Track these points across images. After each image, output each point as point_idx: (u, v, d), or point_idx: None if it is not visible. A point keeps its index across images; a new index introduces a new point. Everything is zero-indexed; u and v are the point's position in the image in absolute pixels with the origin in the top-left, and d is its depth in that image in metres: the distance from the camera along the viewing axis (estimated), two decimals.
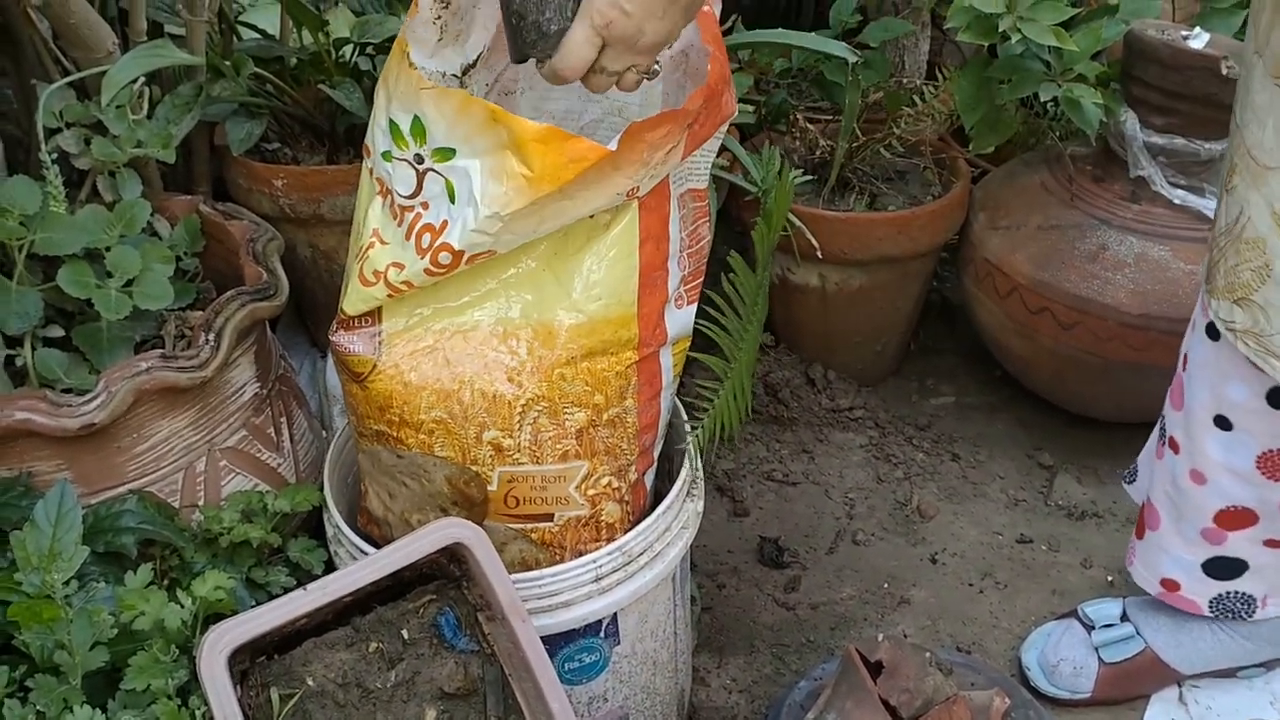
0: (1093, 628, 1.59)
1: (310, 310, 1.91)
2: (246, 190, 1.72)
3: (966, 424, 2.07)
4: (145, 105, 1.51)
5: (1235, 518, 1.40)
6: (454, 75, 1.29)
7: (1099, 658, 1.57)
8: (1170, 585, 1.50)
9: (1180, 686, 1.59)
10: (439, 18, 1.25)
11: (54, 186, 1.37)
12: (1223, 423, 1.35)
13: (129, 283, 1.36)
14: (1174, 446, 1.43)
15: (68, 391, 1.30)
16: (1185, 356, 1.41)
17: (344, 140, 1.77)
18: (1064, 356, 1.84)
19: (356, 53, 1.74)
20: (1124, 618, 1.59)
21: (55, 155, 1.41)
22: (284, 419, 1.50)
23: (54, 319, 1.39)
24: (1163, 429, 1.47)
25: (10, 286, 1.34)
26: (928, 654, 1.41)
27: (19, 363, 1.35)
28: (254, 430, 1.45)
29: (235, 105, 1.64)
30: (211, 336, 1.34)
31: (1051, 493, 1.92)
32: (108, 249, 1.37)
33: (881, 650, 1.39)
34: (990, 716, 1.35)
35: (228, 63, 1.58)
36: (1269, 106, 1.15)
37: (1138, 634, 1.57)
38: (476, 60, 1.31)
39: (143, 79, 1.49)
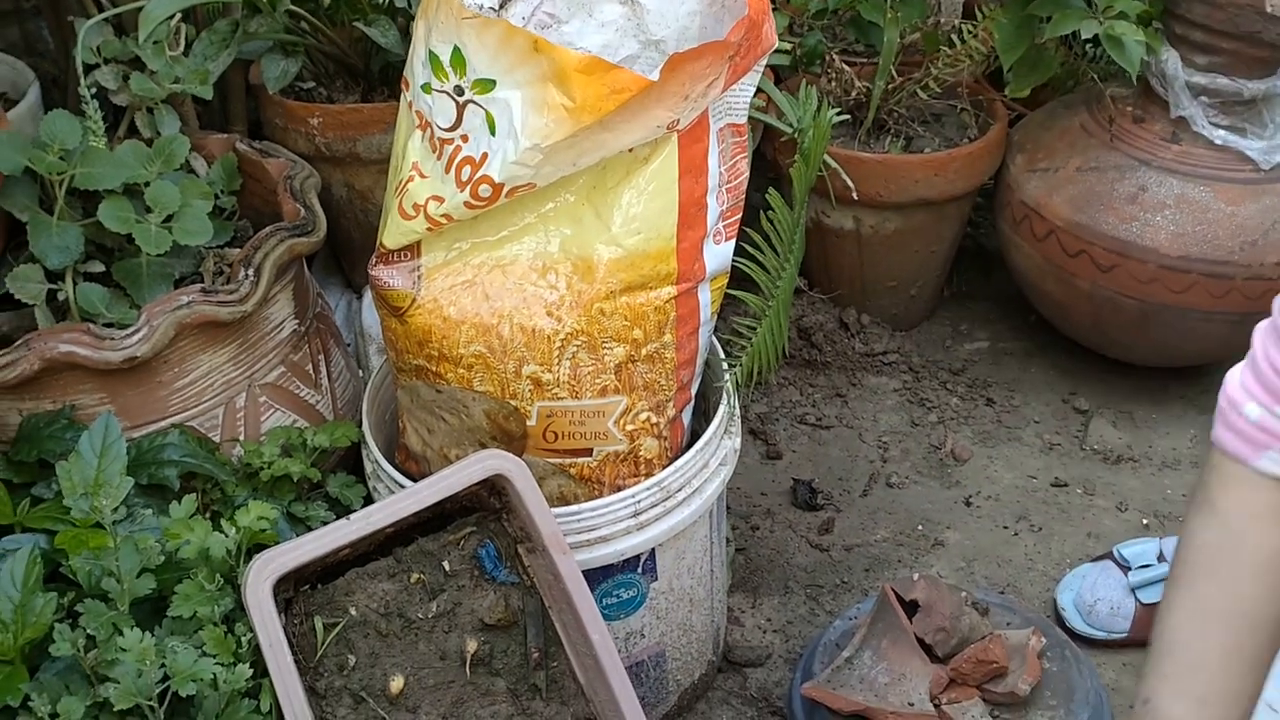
0: (1129, 568, 1.59)
1: (345, 250, 1.91)
2: (282, 129, 1.72)
3: (1001, 369, 2.06)
4: (182, 42, 1.50)
5: None
6: (492, 8, 1.28)
7: (1136, 598, 1.57)
8: None
9: None
10: None
11: (94, 121, 1.37)
12: None
13: (168, 218, 1.37)
14: None
15: (109, 326, 1.31)
16: None
17: (379, 79, 1.76)
18: (1101, 300, 1.83)
19: None
20: (1160, 558, 1.59)
21: (94, 91, 1.41)
22: (322, 356, 1.51)
23: (94, 255, 1.40)
24: None
25: (51, 222, 1.35)
26: (963, 593, 1.42)
27: (61, 297, 1.36)
28: (292, 367, 1.45)
29: (271, 42, 1.64)
30: (251, 271, 1.34)
31: (1087, 437, 1.91)
32: (147, 185, 1.38)
33: (917, 589, 1.40)
34: (1026, 655, 1.35)
35: None
36: None
37: None
38: None
39: (179, 15, 1.49)
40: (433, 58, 1.18)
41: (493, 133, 1.16)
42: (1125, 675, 1.56)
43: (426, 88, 1.19)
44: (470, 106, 1.17)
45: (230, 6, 1.60)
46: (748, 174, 1.34)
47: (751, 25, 1.18)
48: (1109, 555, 1.64)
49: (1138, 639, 1.57)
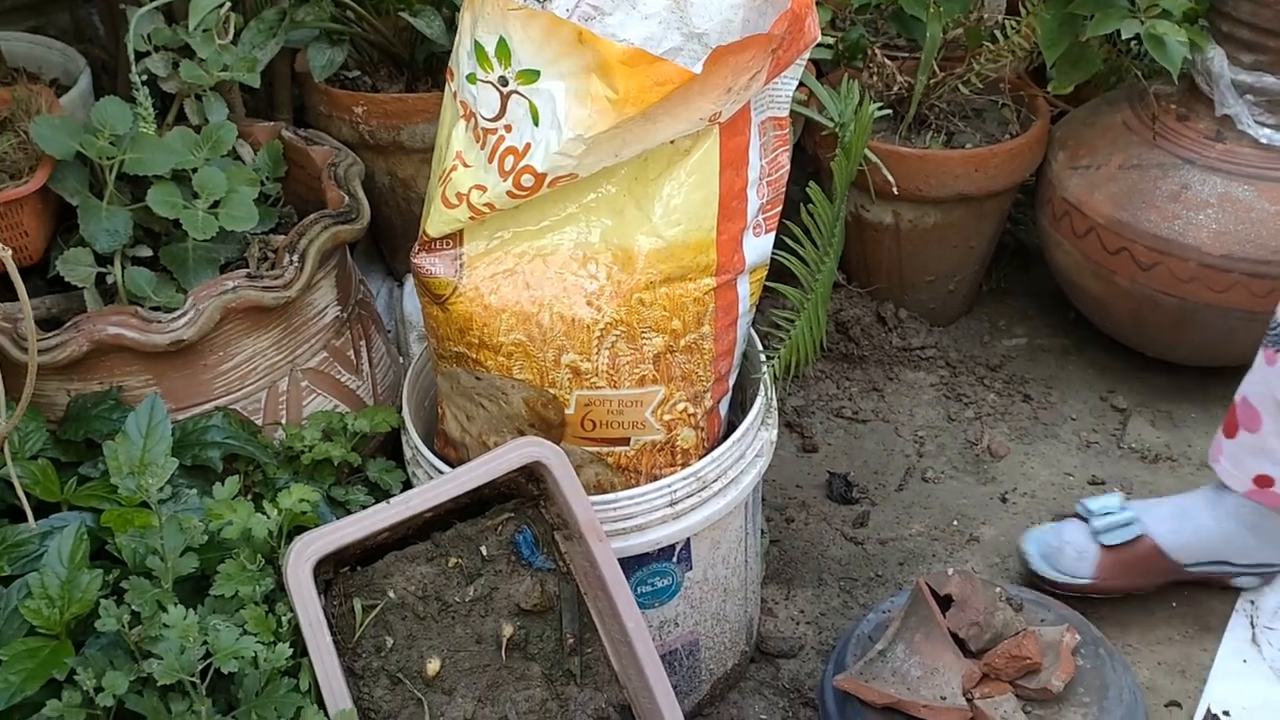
0: (1092, 517, 1.62)
1: (387, 238, 1.92)
2: (327, 117, 1.74)
3: (1039, 365, 2.06)
4: (230, 30, 1.52)
5: None
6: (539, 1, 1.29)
7: (1099, 543, 1.59)
8: (1264, 481, 1.50)
9: (1254, 628, 1.59)
10: None
11: (144, 108, 1.40)
12: None
13: (215, 204, 1.39)
14: None
15: (156, 309, 1.33)
16: None
17: (423, 69, 1.78)
18: (1141, 298, 1.82)
19: None
20: (1123, 508, 1.62)
21: (144, 78, 1.43)
22: (363, 342, 1.52)
23: (142, 239, 1.42)
24: (1273, 336, 1.47)
25: (100, 206, 1.37)
26: (998, 589, 1.42)
27: (109, 280, 1.38)
28: (334, 352, 1.47)
29: (317, 31, 1.66)
30: (295, 257, 1.36)
31: (1125, 435, 1.91)
32: (194, 171, 1.40)
33: (951, 584, 1.40)
34: (1060, 651, 1.35)
35: None
36: None
37: (1138, 520, 1.59)
38: None
39: (228, 4, 1.50)
40: (478, 48, 1.19)
41: (536, 123, 1.17)
42: (1160, 674, 1.56)
43: (471, 78, 1.21)
44: (514, 97, 1.18)
45: None
46: (789, 167, 1.34)
47: (795, 19, 1.18)
48: (1075, 514, 1.67)
49: (1102, 586, 1.58)
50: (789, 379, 1.56)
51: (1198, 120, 1.79)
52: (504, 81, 1.18)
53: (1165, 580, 1.61)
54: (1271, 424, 1.47)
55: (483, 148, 1.21)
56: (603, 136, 1.15)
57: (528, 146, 1.18)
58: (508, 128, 1.19)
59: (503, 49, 1.17)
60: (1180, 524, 1.58)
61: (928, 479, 1.85)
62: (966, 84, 1.95)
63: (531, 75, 1.16)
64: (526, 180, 1.18)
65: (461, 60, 1.22)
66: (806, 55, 1.26)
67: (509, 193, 1.19)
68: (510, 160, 1.19)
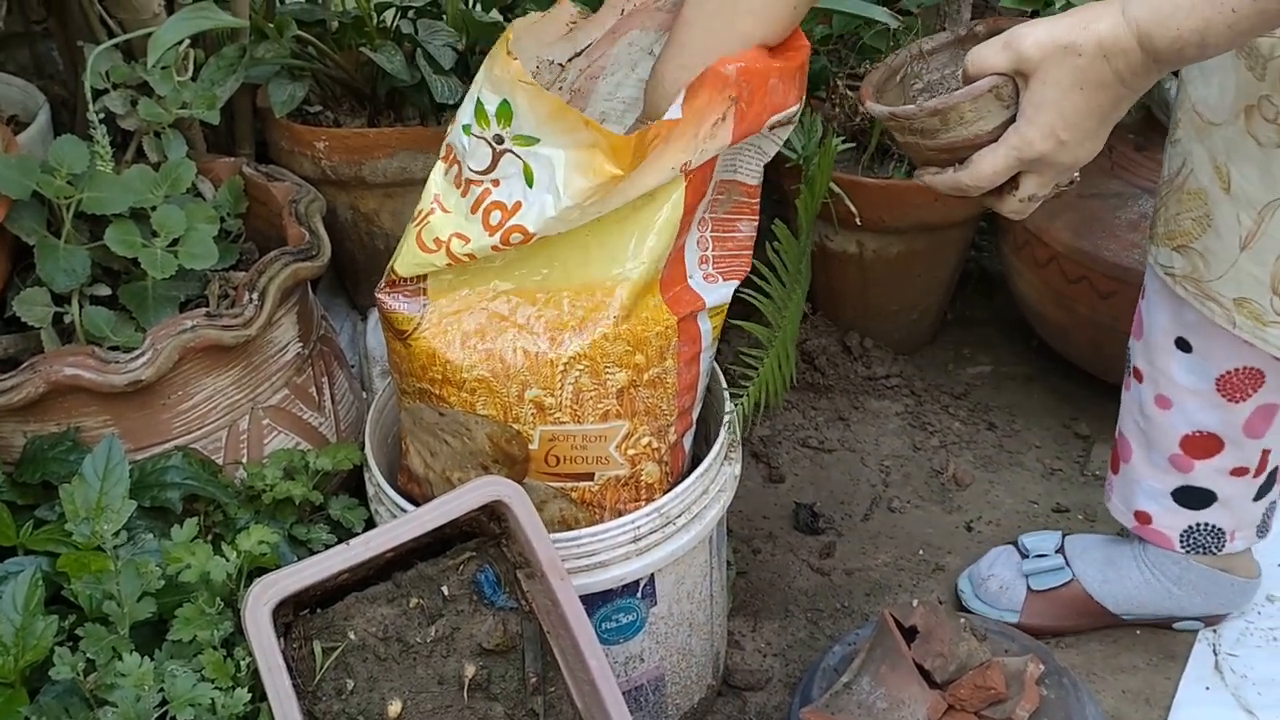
0: (1027, 556, 1.64)
1: (350, 273, 1.92)
2: (288, 152, 1.73)
3: (1003, 393, 2.07)
4: (190, 67, 1.52)
5: (1201, 444, 1.43)
6: (559, 63, 1.31)
7: (1028, 584, 1.61)
8: (1143, 517, 1.52)
9: (1217, 655, 1.60)
10: (574, 23, 1.31)
11: (101, 146, 1.39)
12: (1183, 345, 1.38)
13: (174, 242, 1.38)
14: (1138, 375, 1.46)
15: (115, 349, 1.33)
16: (1144, 287, 1.44)
17: (385, 104, 1.78)
18: (1102, 326, 1.83)
19: (398, 16, 1.74)
20: (1059, 551, 1.63)
21: (102, 116, 1.43)
22: (325, 379, 1.52)
23: (100, 278, 1.41)
24: (1128, 360, 1.50)
25: (58, 245, 1.36)
26: (962, 620, 1.42)
27: (67, 320, 1.37)
28: (296, 390, 1.47)
29: (278, 67, 1.65)
30: (255, 295, 1.35)
31: (1089, 462, 1.92)
32: (153, 209, 1.39)
33: (916, 615, 1.40)
34: (1025, 682, 1.36)
35: (271, 25, 1.59)
36: (1215, 67, 1.20)
37: (1067, 566, 1.61)
38: (581, 52, 1.33)
39: (188, 41, 1.50)
40: (479, 106, 1.18)
41: (530, 184, 1.16)
42: (1124, 703, 1.56)
43: (466, 129, 1.20)
44: (508, 155, 1.17)
45: (238, 32, 1.61)
46: (751, 234, 1.35)
47: (749, 70, 1.17)
48: (1014, 542, 1.68)
49: (1030, 625, 1.59)
50: (758, 417, 1.56)
51: (1155, 150, 1.81)
52: (499, 140, 1.18)
53: (1099, 624, 1.63)
54: (1139, 450, 1.49)
55: (464, 196, 1.21)
56: (597, 203, 1.16)
57: (518, 205, 1.17)
58: (495, 182, 1.19)
59: (504, 110, 1.17)
60: (1107, 572, 1.60)
61: (893, 509, 1.86)
62: None
63: (530, 140, 1.16)
64: (516, 238, 1.17)
65: (464, 109, 1.22)
66: (785, 128, 1.27)
67: (494, 247, 1.18)
68: (497, 215, 1.18)
